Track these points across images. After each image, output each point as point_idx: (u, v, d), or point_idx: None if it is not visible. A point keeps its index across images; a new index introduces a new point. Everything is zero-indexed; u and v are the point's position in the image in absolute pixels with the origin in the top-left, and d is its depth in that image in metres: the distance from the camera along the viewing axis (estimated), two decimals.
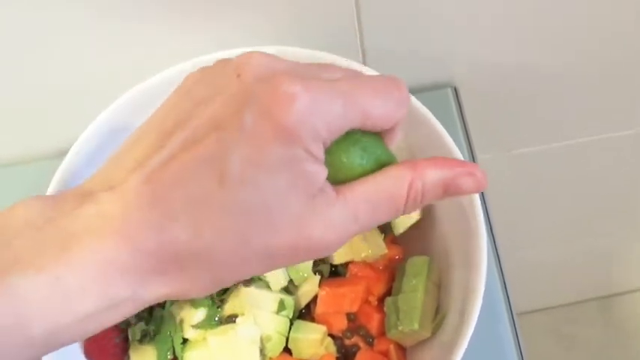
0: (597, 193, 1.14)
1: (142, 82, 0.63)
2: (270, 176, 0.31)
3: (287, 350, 0.61)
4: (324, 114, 0.31)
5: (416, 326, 0.58)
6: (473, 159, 0.75)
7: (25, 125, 0.80)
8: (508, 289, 0.71)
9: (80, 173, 0.62)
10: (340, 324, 0.62)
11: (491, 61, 0.77)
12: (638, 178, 1.12)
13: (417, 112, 0.60)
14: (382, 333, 0.62)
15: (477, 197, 0.58)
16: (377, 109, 0.34)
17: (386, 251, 0.63)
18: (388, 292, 0.63)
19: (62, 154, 0.62)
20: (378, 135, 0.36)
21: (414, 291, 0.59)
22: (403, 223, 0.63)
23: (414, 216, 0.63)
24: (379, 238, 0.63)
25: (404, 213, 0.35)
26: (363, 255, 0.62)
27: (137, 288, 0.31)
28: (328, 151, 0.33)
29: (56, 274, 0.30)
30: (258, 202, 0.31)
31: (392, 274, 0.63)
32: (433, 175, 0.35)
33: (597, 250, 1.36)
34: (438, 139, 0.59)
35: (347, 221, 0.33)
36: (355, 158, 0.34)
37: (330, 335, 0.62)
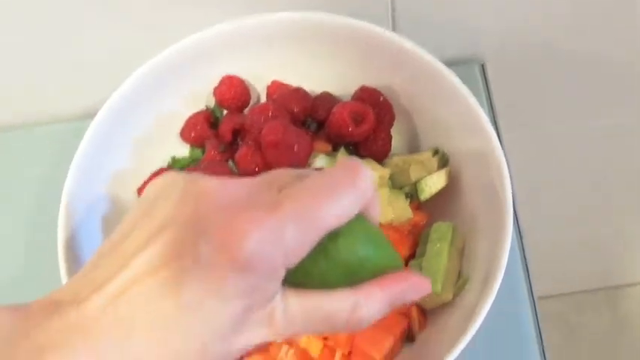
0: (610, 179, 1.15)
1: (162, 52, 0.65)
2: (225, 304, 0.33)
3: None
4: (281, 245, 0.33)
5: (439, 288, 0.59)
6: (498, 137, 0.76)
7: (56, 88, 0.81)
8: (530, 270, 0.72)
9: (108, 134, 0.64)
10: None
11: (520, 39, 0.78)
12: None
13: (452, 87, 0.61)
14: None
15: (505, 167, 0.59)
16: (334, 212, 0.34)
17: (411, 216, 0.64)
18: (412, 256, 0.64)
19: (91, 116, 0.64)
20: (357, 219, 0.36)
21: (438, 255, 0.60)
22: (429, 189, 0.64)
23: (441, 182, 0.64)
24: (405, 203, 0.64)
25: (346, 332, 0.36)
26: (388, 218, 0.63)
27: None
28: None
29: None
30: (214, 326, 0.33)
31: (416, 239, 0.65)
32: (380, 299, 0.36)
33: (610, 238, 1.36)
34: (471, 116, 0.61)
35: (286, 326, 0.35)
36: (314, 267, 0.36)
37: None
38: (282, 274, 0.34)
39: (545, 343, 0.69)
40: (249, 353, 0.36)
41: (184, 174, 0.37)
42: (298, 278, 0.35)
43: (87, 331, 0.32)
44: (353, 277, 0.36)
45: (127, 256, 0.34)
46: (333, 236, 0.35)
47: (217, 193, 0.34)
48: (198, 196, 0.35)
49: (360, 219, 0.37)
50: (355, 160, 0.37)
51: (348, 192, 0.35)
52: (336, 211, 0.34)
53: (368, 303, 0.36)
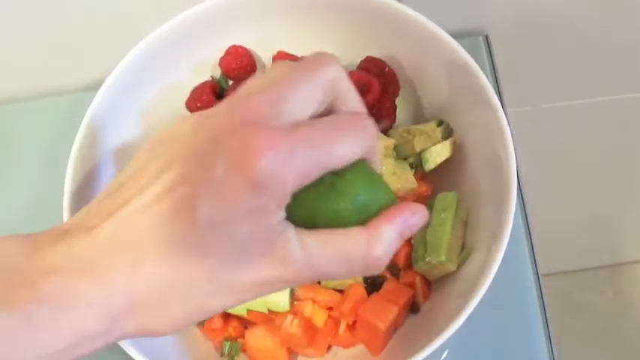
0: (615, 158, 1.15)
1: (171, 20, 0.65)
2: (237, 224, 0.33)
3: None
4: (291, 166, 0.33)
5: (443, 258, 0.59)
6: (503, 109, 0.76)
7: (61, 59, 0.81)
8: (534, 246, 0.72)
9: (113, 104, 0.64)
10: None
11: (524, 9, 0.78)
12: None
13: (457, 57, 0.61)
14: (408, 265, 0.63)
15: (509, 138, 0.59)
16: (342, 148, 0.35)
17: (416, 185, 0.64)
18: None
19: (96, 87, 0.64)
20: (358, 163, 0.37)
21: (442, 224, 0.61)
22: (434, 159, 0.64)
23: (445, 153, 0.64)
24: (410, 173, 0.64)
25: (365, 275, 0.37)
26: (394, 188, 0.63)
27: (108, 325, 0.33)
28: (300, 195, 0.35)
29: (26, 312, 0.31)
30: (225, 247, 0.33)
31: None
32: (390, 235, 0.36)
33: (612, 217, 1.36)
34: (476, 86, 0.61)
35: (302, 265, 0.35)
36: (325, 202, 0.36)
37: None
38: (287, 200, 0.34)
39: (549, 321, 0.69)
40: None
41: (197, 112, 0.38)
42: (307, 221, 0.36)
43: (96, 256, 0.33)
44: (360, 215, 0.37)
45: (139, 186, 0.34)
46: (340, 174, 0.36)
47: (228, 119, 0.34)
48: (210, 124, 0.35)
49: (363, 162, 0.37)
50: (363, 108, 0.38)
51: (358, 133, 0.36)
52: (346, 146, 0.35)
53: (381, 237, 0.36)
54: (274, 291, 0.36)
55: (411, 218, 0.37)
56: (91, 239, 0.33)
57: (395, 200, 0.38)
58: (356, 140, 0.36)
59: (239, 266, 0.34)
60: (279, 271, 0.35)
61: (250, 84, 0.37)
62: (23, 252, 0.33)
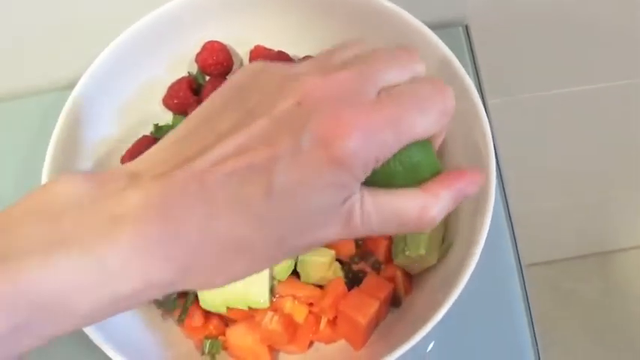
0: (601, 145, 1.15)
1: (146, 16, 0.65)
2: (312, 197, 0.33)
3: (295, 274, 0.62)
4: (376, 147, 0.34)
5: (423, 251, 0.59)
6: (483, 101, 0.76)
7: (35, 58, 0.80)
8: (517, 239, 0.72)
9: (89, 103, 0.64)
10: (348, 249, 0.63)
11: (504, 1, 0.77)
12: None
13: (433, 48, 0.61)
14: (389, 259, 0.63)
15: (488, 128, 0.58)
16: (422, 126, 0.35)
17: None
18: None
19: (71, 86, 0.63)
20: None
21: None
22: None
23: None
24: None
25: (416, 230, 0.37)
26: None
27: (175, 276, 0.33)
28: None
29: (99, 255, 0.31)
30: (298, 217, 0.33)
31: None
32: (446, 198, 0.37)
33: (598, 205, 1.36)
34: (454, 76, 0.60)
35: (359, 225, 0.36)
36: (393, 168, 0.37)
37: (338, 261, 0.63)
38: (363, 176, 0.35)
39: (532, 309, 0.69)
40: None
41: (279, 65, 0.37)
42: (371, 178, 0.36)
43: (165, 206, 0.32)
44: (414, 177, 0.38)
45: (216, 134, 0.34)
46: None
47: (319, 89, 0.34)
48: (300, 87, 0.34)
49: None
50: (440, 79, 0.38)
51: (439, 108, 0.36)
52: (426, 122, 0.35)
53: (437, 201, 0.37)
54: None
55: (468, 187, 0.38)
56: (161, 188, 0.32)
57: (441, 169, 0.39)
58: (438, 114, 0.36)
59: (307, 233, 0.34)
60: (338, 231, 0.35)
61: (340, 51, 0.38)
62: (91, 194, 0.33)
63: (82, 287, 0.31)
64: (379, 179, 0.36)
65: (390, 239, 0.63)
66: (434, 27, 0.62)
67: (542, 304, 1.53)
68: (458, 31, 0.78)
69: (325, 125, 0.33)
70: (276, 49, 0.69)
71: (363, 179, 0.35)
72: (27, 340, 0.32)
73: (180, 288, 0.34)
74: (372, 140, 0.33)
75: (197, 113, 0.36)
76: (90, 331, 0.56)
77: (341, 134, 0.32)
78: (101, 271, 0.31)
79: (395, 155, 0.36)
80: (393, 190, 0.37)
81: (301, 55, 0.69)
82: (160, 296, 0.34)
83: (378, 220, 0.36)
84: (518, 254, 0.71)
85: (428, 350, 0.67)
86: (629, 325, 1.55)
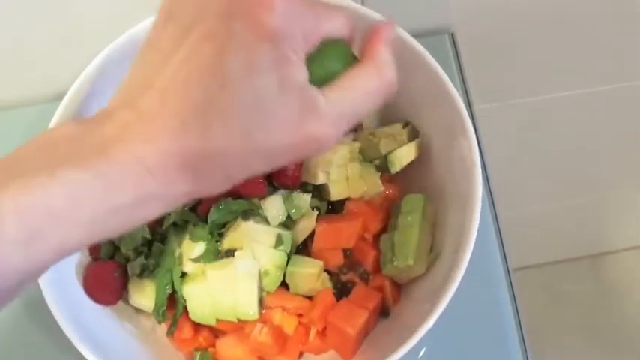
0: (591, 148, 1.15)
1: (132, 28, 0.64)
2: (262, 76, 0.35)
3: (284, 285, 0.62)
4: (301, 22, 0.37)
5: (411, 262, 0.59)
6: (469, 107, 0.76)
7: (25, 71, 0.80)
8: (504, 244, 0.72)
9: (77, 114, 0.63)
10: (336, 260, 0.63)
11: (489, 6, 0.77)
12: (633, 135, 1.13)
13: (418, 57, 0.61)
14: (377, 270, 0.63)
15: (473, 138, 0.59)
16: (339, 19, 0.41)
17: (382, 188, 0.64)
18: (384, 230, 0.64)
19: (60, 97, 0.63)
20: (342, 41, 0.41)
21: (410, 227, 0.60)
22: (399, 161, 0.64)
23: (411, 155, 0.64)
24: (376, 177, 0.64)
25: (386, 97, 0.40)
26: (360, 192, 0.63)
27: (165, 185, 0.36)
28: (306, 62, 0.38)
29: (98, 169, 0.35)
30: (255, 101, 0.35)
31: (388, 213, 0.65)
32: (387, 54, 0.41)
33: (589, 207, 1.36)
34: (439, 86, 0.60)
35: (335, 116, 0.38)
36: (330, 65, 0.40)
37: (327, 271, 0.63)
38: (303, 56, 0.37)
39: (520, 312, 0.69)
40: None
41: None
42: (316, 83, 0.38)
43: (142, 127, 0.35)
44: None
45: (166, 54, 0.37)
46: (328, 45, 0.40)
47: None
48: None
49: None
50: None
51: (342, 17, 0.41)
52: (340, 18, 0.40)
53: (383, 60, 0.41)
54: (308, 155, 0.39)
55: (389, 32, 0.42)
56: (136, 114, 0.36)
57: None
58: (345, 19, 0.41)
59: (274, 128, 0.36)
60: (313, 127, 0.37)
61: None
62: (83, 128, 0.37)
63: (86, 197, 0.34)
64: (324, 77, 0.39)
65: (378, 249, 0.63)
66: (419, 35, 0.62)
67: (534, 306, 1.53)
68: (444, 39, 0.78)
69: (250, 8, 0.36)
70: None
71: (302, 56, 0.37)
72: (40, 250, 0.34)
73: (175, 199, 0.37)
74: (297, 14, 0.37)
75: (144, 46, 0.40)
76: (79, 344, 0.56)
77: (266, 8, 0.35)
78: (101, 182, 0.34)
79: (318, 63, 0.39)
80: (344, 77, 0.39)
81: None
82: (159, 211, 0.37)
83: (351, 106, 0.39)
84: (506, 260, 0.71)
85: (420, 356, 0.67)
86: (622, 326, 1.55)
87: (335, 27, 0.40)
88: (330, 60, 0.40)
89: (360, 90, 0.39)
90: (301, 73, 0.37)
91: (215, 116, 0.35)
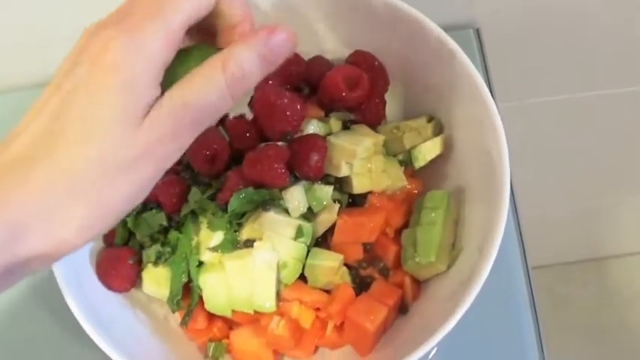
0: (603, 152, 1.14)
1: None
2: (110, 106, 0.37)
3: (302, 278, 0.61)
4: (135, 47, 0.38)
5: (432, 258, 0.58)
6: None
7: (8, 57, 0.79)
8: (524, 241, 0.71)
9: None
10: (356, 254, 0.62)
11: (516, 4, 0.76)
12: None
13: (448, 51, 0.60)
14: (398, 265, 0.62)
15: (502, 134, 0.57)
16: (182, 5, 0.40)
17: (405, 183, 0.63)
18: (405, 225, 0.63)
19: (45, 83, 0.62)
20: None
21: (432, 224, 0.59)
22: (424, 156, 0.63)
23: (435, 150, 0.63)
24: (400, 171, 0.63)
25: (233, 98, 0.40)
26: (382, 186, 0.62)
27: (14, 237, 0.38)
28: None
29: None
30: (108, 142, 0.38)
31: (410, 208, 0.63)
32: (246, 54, 0.40)
33: (597, 211, 1.36)
34: (468, 81, 0.59)
35: (178, 112, 0.39)
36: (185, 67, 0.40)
37: (346, 265, 0.62)
38: (157, 72, 0.39)
39: (539, 314, 0.68)
40: None
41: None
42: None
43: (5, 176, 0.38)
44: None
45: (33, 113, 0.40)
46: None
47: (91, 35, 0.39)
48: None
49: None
50: None
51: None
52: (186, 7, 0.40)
53: (233, 55, 0.40)
54: (177, 157, 0.40)
55: (270, 39, 0.40)
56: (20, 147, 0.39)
57: None
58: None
59: (124, 139, 0.38)
60: (161, 129, 0.38)
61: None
62: None
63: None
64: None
65: (399, 244, 0.62)
66: (445, 29, 0.61)
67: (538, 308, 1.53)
68: (469, 34, 0.77)
69: (89, 52, 0.38)
70: None
71: (154, 75, 0.38)
72: None
73: (27, 252, 0.38)
74: (131, 46, 0.38)
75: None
76: (93, 333, 0.56)
77: (103, 49, 0.38)
78: None
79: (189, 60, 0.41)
80: (190, 74, 0.40)
81: (312, 55, 0.67)
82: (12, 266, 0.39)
83: (195, 97, 0.39)
84: (525, 259, 0.70)
85: (430, 356, 0.66)
86: (625, 329, 1.55)
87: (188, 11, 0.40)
88: (195, 62, 0.41)
89: (203, 83, 0.39)
90: (146, 93, 0.38)
91: (63, 146, 0.38)
